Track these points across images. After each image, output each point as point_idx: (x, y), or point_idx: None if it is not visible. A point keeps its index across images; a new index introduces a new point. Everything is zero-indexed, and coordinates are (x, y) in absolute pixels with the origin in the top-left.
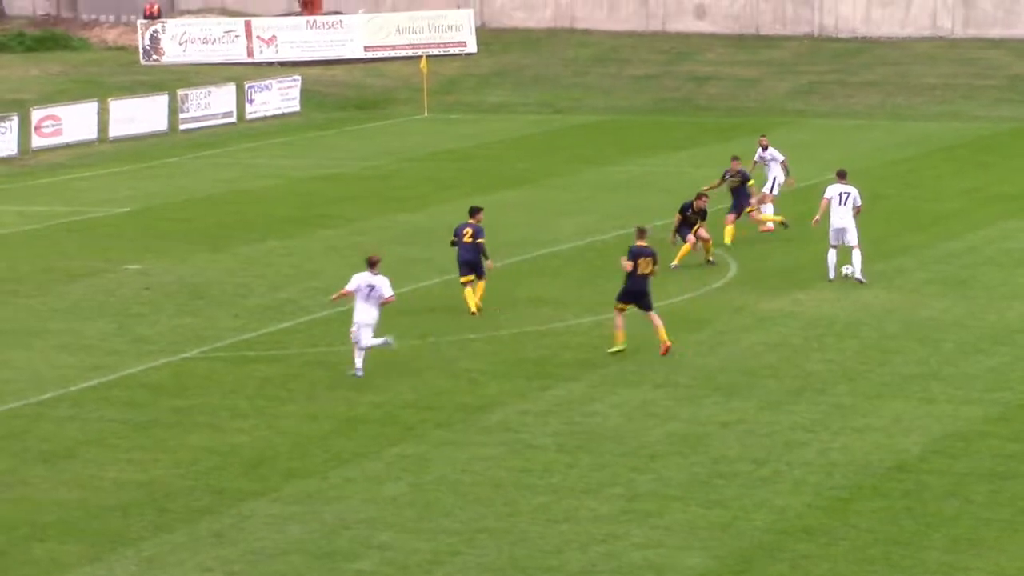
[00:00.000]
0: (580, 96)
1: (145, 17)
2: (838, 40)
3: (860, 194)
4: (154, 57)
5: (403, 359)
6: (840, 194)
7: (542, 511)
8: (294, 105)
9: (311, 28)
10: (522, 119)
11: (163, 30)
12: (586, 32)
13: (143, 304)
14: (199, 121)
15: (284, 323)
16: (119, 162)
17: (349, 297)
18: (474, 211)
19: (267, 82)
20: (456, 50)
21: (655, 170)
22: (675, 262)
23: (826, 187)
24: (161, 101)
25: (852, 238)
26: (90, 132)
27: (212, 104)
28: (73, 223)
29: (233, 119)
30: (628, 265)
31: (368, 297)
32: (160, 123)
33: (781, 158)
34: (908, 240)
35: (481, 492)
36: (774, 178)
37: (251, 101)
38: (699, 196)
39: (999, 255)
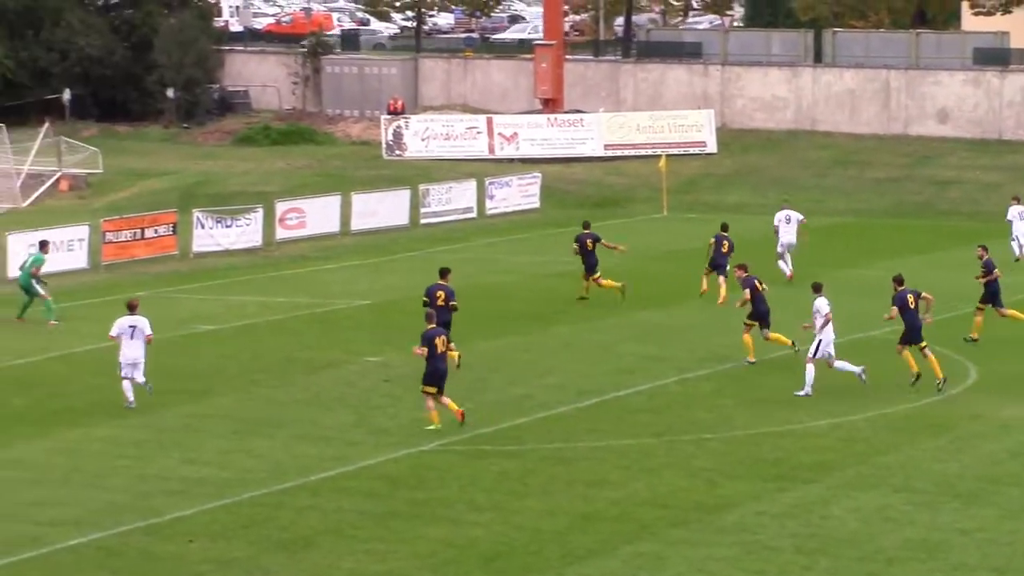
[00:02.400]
0: (820, 198)
1: (389, 113)
2: None
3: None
4: (397, 152)
5: (639, 457)
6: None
7: None
8: (534, 202)
9: (552, 126)
10: (761, 220)
11: (406, 126)
12: (827, 134)
13: (383, 396)
14: (439, 216)
15: (521, 418)
16: (360, 255)
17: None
18: (444, 272)
19: (507, 178)
20: (696, 150)
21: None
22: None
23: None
24: (403, 196)
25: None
26: (333, 225)
27: (453, 199)
28: (315, 314)
29: (473, 214)
30: (423, 351)
31: (132, 337)
32: (401, 217)
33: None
34: None
35: None
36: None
37: (491, 197)
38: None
39: None
